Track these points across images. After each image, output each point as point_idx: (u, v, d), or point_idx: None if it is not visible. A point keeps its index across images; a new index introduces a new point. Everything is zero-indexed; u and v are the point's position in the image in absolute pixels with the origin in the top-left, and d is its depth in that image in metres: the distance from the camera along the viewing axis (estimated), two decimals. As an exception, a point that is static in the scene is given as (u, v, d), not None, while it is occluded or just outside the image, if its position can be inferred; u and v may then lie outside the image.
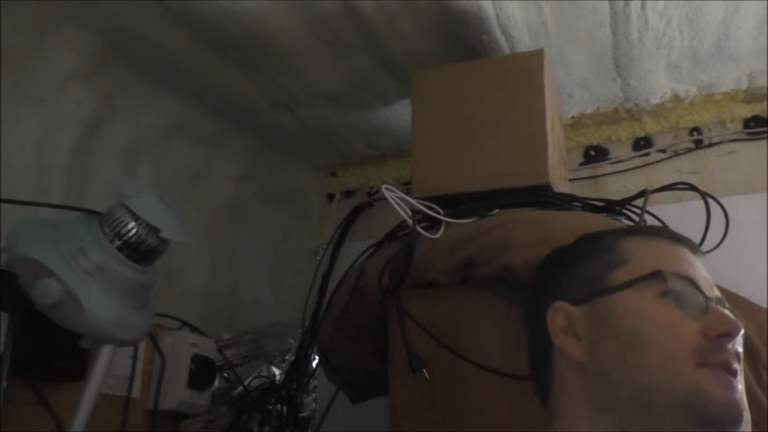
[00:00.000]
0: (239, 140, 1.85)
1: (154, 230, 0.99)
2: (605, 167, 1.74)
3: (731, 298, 1.05)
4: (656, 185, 1.26)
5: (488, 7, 1.31)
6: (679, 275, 0.68)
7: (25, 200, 1.08)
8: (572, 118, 1.78)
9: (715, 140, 1.65)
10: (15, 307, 1.00)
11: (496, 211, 1.15)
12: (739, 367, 0.65)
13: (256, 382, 1.70)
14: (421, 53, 1.47)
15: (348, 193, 2.06)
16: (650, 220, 1.27)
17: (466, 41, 1.41)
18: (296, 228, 2.12)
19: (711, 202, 1.17)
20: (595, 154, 1.76)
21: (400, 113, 1.74)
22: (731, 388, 0.62)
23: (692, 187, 1.18)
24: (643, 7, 1.34)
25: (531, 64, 1.23)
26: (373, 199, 1.97)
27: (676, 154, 1.68)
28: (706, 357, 0.63)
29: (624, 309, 0.68)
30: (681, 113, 1.68)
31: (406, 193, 1.17)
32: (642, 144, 1.72)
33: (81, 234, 0.96)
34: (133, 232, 0.97)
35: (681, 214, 1.26)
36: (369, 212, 1.97)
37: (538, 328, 0.75)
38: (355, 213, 1.97)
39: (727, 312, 0.68)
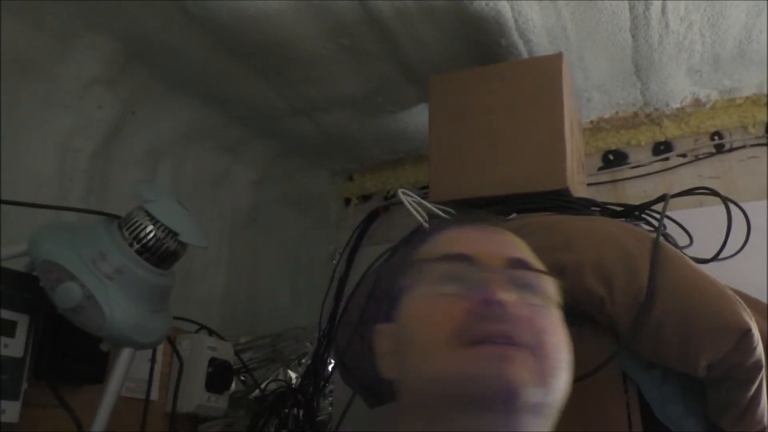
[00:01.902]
0: (258, 145, 1.87)
1: (172, 234, 0.99)
2: (624, 172, 1.73)
3: (752, 302, 1.04)
4: (676, 190, 1.24)
5: (506, 12, 1.31)
6: (453, 255, 0.64)
7: (46, 204, 1.09)
8: (591, 122, 1.76)
9: (736, 145, 1.63)
10: (36, 311, 1.02)
11: (514, 215, 1.15)
12: (517, 331, 0.57)
13: (273, 386, 1.70)
14: (439, 58, 1.47)
15: (365, 198, 2.06)
16: (670, 225, 1.26)
17: (484, 46, 1.41)
18: (314, 232, 2.12)
19: (732, 207, 1.16)
20: (614, 159, 1.75)
21: (418, 118, 1.74)
22: (501, 356, 0.56)
23: (713, 192, 1.17)
24: (663, 11, 1.33)
25: (549, 68, 1.22)
26: (390, 203, 1.97)
27: (697, 158, 1.66)
28: (470, 335, 0.57)
29: (401, 315, 0.65)
30: (702, 117, 1.66)
31: (423, 198, 1.17)
32: (662, 148, 1.71)
33: (101, 238, 0.97)
34: (152, 235, 0.98)
35: (702, 220, 1.24)
36: (386, 216, 1.97)
37: None
38: (372, 217, 1.97)
39: (500, 275, 0.62)
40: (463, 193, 1.22)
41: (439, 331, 0.59)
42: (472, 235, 0.68)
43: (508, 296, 0.59)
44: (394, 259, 0.76)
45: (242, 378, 1.63)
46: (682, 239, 1.26)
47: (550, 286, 0.66)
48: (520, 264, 0.65)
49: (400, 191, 1.13)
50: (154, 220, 0.98)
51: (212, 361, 1.44)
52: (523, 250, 0.69)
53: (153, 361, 1.35)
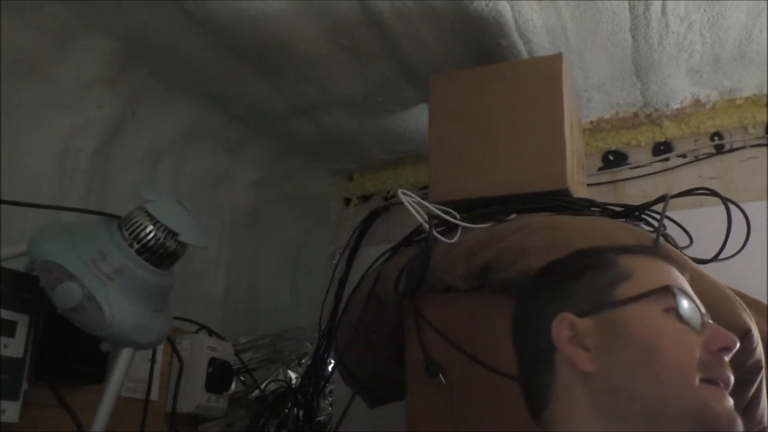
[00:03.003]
0: (258, 145, 1.87)
1: (172, 234, 0.99)
2: (624, 172, 1.73)
3: (752, 302, 1.04)
4: (676, 190, 1.24)
5: (506, 12, 1.31)
6: (683, 291, 0.70)
7: (46, 204, 1.09)
8: (591, 122, 1.76)
9: (736, 145, 1.63)
10: (36, 311, 1.02)
11: (514, 216, 1.15)
12: (732, 379, 0.67)
13: (273, 386, 1.70)
14: (439, 58, 1.47)
15: (365, 198, 2.06)
16: (670, 226, 1.26)
17: (485, 46, 1.41)
18: (314, 232, 2.12)
19: (732, 207, 1.16)
20: (614, 159, 1.75)
21: (418, 118, 1.74)
22: (728, 401, 0.65)
23: (713, 193, 1.17)
24: (663, 11, 1.33)
25: (549, 69, 1.22)
26: (390, 203, 1.97)
27: (697, 159, 1.66)
28: (708, 370, 0.65)
29: (636, 322, 0.69)
30: (702, 118, 1.67)
31: (423, 198, 1.17)
32: (662, 149, 1.71)
33: (101, 237, 0.97)
34: (152, 235, 0.98)
35: (701, 220, 1.24)
36: (386, 217, 1.97)
37: (535, 338, 0.75)
38: (372, 217, 1.97)
39: (718, 326, 0.70)
40: (463, 193, 1.22)
41: (690, 359, 0.65)
42: (676, 273, 0.75)
43: (737, 345, 0.68)
44: (580, 260, 0.79)
45: (242, 378, 1.63)
46: (682, 239, 1.26)
47: None
48: (709, 316, 0.73)
49: (400, 191, 1.13)
50: (154, 220, 0.98)
51: (212, 361, 1.44)
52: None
53: (153, 361, 1.35)
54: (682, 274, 0.76)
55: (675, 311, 0.68)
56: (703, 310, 0.72)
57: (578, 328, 0.71)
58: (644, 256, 0.77)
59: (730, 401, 0.65)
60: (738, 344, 0.68)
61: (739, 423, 0.64)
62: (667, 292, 0.69)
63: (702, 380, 0.65)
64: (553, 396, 0.73)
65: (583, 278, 0.75)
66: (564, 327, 0.72)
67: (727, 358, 0.67)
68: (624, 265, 0.74)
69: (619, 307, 0.70)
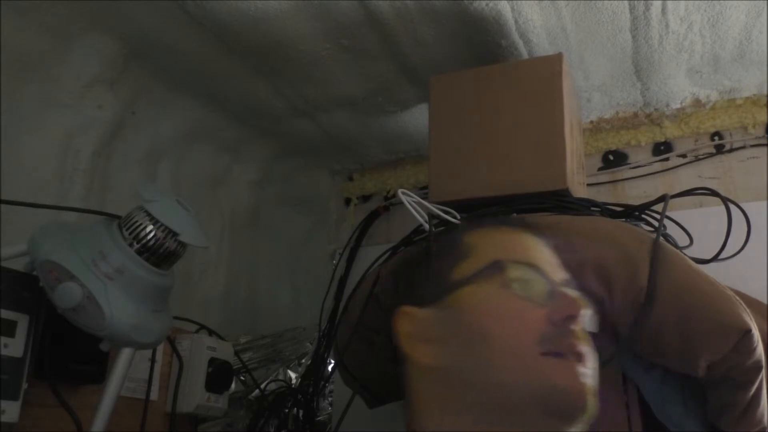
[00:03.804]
0: (258, 146, 1.87)
1: (172, 233, 0.99)
2: (624, 172, 1.73)
3: (752, 302, 1.04)
4: (676, 190, 1.24)
5: (507, 12, 1.31)
6: (520, 262, 0.66)
7: (46, 204, 1.09)
8: (591, 122, 1.76)
9: (736, 145, 1.63)
10: (36, 311, 1.02)
11: (514, 215, 1.15)
12: (587, 348, 0.63)
13: (273, 386, 1.70)
14: (439, 58, 1.47)
15: (365, 198, 2.06)
16: (670, 226, 1.26)
17: (485, 46, 1.41)
18: (314, 232, 2.12)
19: (732, 207, 1.16)
20: (614, 159, 1.75)
21: (418, 118, 1.74)
22: (577, 374, 0.61)
23: (713, 193, 1.17)
24: (663, 12, 1.33)
25: (549, 69, 1.22)
26: (390, 203, 1.97)
27: (697, 159, 1.66)
28: (551, 344, 0.61)
29: (467, 304, 0.64)
30: (702, 118, 1.67)
31: (423, 198, 1.17)
32: (662, 149, 1.71)
33: (101, 237, 0.97)
34: (152, 235, 0.98)
35: (702, 220, 1.24)
36: (386, 217, 1.97)
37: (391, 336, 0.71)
38: (372, 217, 1.97)
39: (571, 293, 0.65)
40: (463, 194, 1.22)
41: (526, 336, 0.61)
42: (530, 242, 0.70)
43: (582, 311, 0.64)
44: (439, 243, 0.74)
45: (242, 378, 1.63)
46: (682, 239, 1.26)
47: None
48: (570, 283, 0.69)
49: (400, 191, 1.13)
50: (154, 220, 0.98)
51: (212, 361, 1.44)
52: (559, 262, 0.72)
53: (153, 361, 1.35)
54: (538, 237, 0.71)
55: (513, 285, 0.64)
56: (556, 278, 0.66)
57: (420, 321, 0.66)
58: (492, 227, 0.72)
59: (581, 371, 0.61)
60: (587, 309, 0.64)
61: (588, 392, 0.60)
62: (499, 265, 0.65)
63: (545, 354, 0.60)
64: (407, 394, 0.69)
65: (426, 265, 0.72)
66: (403, 322, 0.68)
67: (575, 327, 0.62)
68: (465, 243, 0.69)
69: (454, 290, 0.66)
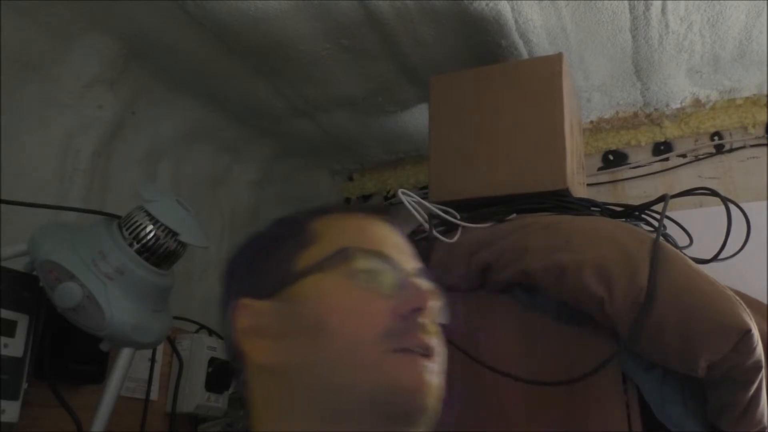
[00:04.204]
0: (258, 145, 1.87)
1: (172, 233, 0.99)
2: (624, 172, 1.73)
3: (752, 302, 1.04)
4: (676, 190, 1.24)
5: (507, 12, 1.31)
6: (369, 251, 0.60)
7: (46, 204, 1.09)
8: (591, 122, 1.76)
9: (736, 145, 1.63)
10: (36, 311, 1.02)
11: (514, 215, 1.15)
12: (437, 342, 0.59)
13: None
14: (439, 58, 1.47)
15: (365, 198, 2.06)
16: (670, 226, 1.26)
17: (485, 46, 1.41)
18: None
19: (732, 207, 1.16)
20: (614, 159, 1.75)
21: (418, 118, 1.74)
22: (424, 370, 0.56)
23: (713, 192, 1.17)
24: (663, 11, 1.33)
25: (550, 69, 1.22)
26: (390, 203, 1.97)
27: (697, 159, 1.66)
28: (399, 338, 0.56)
29: (308, 297, 0.59)
30: (702, 118, 1.67)
31: (423, 198, 1.17)
32: (662, 149, 1.71)
33: (101, 237, 0.97)
34: (152, 235, 0.98)
35: (702, 220, 1.24)
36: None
37: (228, 333, 0.64)
38: (372, 217, 1.97)
39: (422, 283, 0.61)
40: (463, 193, 1.22)
41: (368, 332, 0.56)
42: (380, 230, 0.65)
43: (430, 303, 0.58)
44: (275, 229, 0.69)
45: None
46: (682, 239, 1.26)
47: (439, 294, 0.65)
48: (423, 272, 0.64)
49: (400, 191, 1.13)
50: (154, 220, 0.98)
51: (212, 361, 1.44)
52: (412, 251, 0.67)
53: (153, 361, 1.35)
54: (390, 224, 0.67)
55: (359, 276, 0.58)
56: (407, 267, 0.62)
57: (260, 315, 0.61)
58: (342, 215, 0.67)
59: (428, 366, 0.57)
60: (437, 301, 0.60)
61: (430, 390, 0.56)
62: (345, 254, 0.59)
63: (389, 350, 0.55)
64: (247, 395, 0.63)
65: (269, 252, 0.65)
66: (242, 315, 0.61)
67: (424, 320, 0.58)
68: (311, 229, 0.64)
69: (296, 280, 0.60)
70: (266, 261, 0.64)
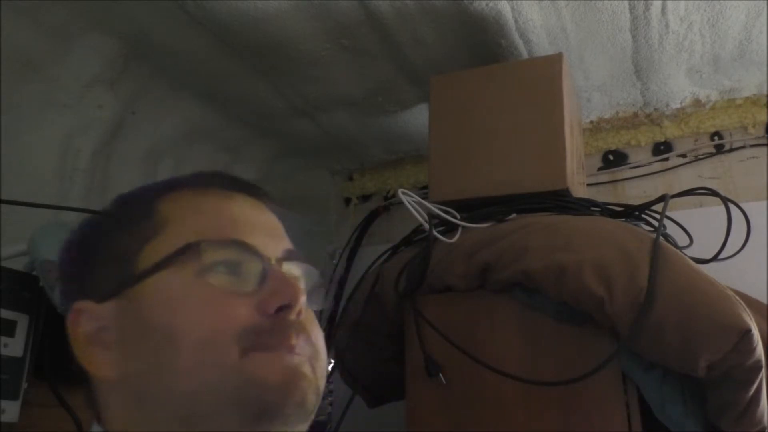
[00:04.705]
0: (258, 145, 1.87)
1: (172, 234, 0.99)
2: (624, 172, 1.73)
3: (752, 302, 1.04)
4: (676, 190, 1.24)
5: (507, 12, 1.31)
6: (222, 241, 0.53)
7: (47, 204, 1.09)
8: (591, 122, 1.76)
9: (736, 145, 1.63)
10: (36, 311, 1.02)
11: (514, 216, 1.15)
12: (300, 339, 0.52)
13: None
14: (439, 58, 1.47)
15: (365, 198, 2.06)
16: (670, 226, 1.26)
17: (485, 46, 1.41)
18: (314, 232, 2.12)
19: (732, 207, 1.16)
20: (614, 159, 1.75)
21: (418, 118, 1.74)
22: (289, 365, 0.51)
23: (713, 192, 1.17)
24: (663, 11, 1.33)
25: (549, 69, 1.22)
26: (390, 203, 1.97)
27: (697, 159, 1.66)
28: (257, 341, 0.50)
29: (153, 298, 0.52)
30: (702, 118, 1.67)
31: (423, 198, 1.17)
32: (662, 149, 1.71)
33: (101, 237, 0.97)
34: (152, 235, 0.98)
35: (702, 220, 1.24)
36: (386, 216, 1.97)
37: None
38: (372, 217, 1.97)
39: (291, 272, 0.56)
40: (463, 193, 1.22)
41: (223, 334, 0.50)
42: (242, 211, 0.58)
43: (299, 300, 0.53)
44: (116, 211, 0.60)
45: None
46: (682, 239, 1.26)
47: (313, 276, 0.60)
48: (293, 255, 0.58)
49: (400, 191, 1.13)
50: (154, 220, 0.98)
51: (212, 361, 1.44)
52: (282, 230, 0.61)
53: (153, 360, 1.35)
54: (257, 200, 0.61)
55: (216, 269, 0.52)
56: (272, 252, 0.55)
57: (97, 319, 0.53)
58: (196, 192, 0.58)
59: (295, 359, 0.51)
60: (302, 296, 0.53)
61: (303, 381, 0.51)
62: (195, 248, 0.52)
63: (248, 350, 0.50)
64: (97, 411, 0.57)
65: (111, 240, 0.56)
66: (78, 321, 0.54)
67: (292, 316, 0.52)
68: (159, 214, 0.56)
69: (140, 280, 0.52)
70: (105, 253, 0.56)
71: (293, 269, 0.57)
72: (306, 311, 0.55)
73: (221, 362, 0.49)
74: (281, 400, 0.50)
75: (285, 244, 0.59)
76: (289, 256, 0.57)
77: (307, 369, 0.53)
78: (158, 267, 0.52)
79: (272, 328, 0.51)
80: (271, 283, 0.53)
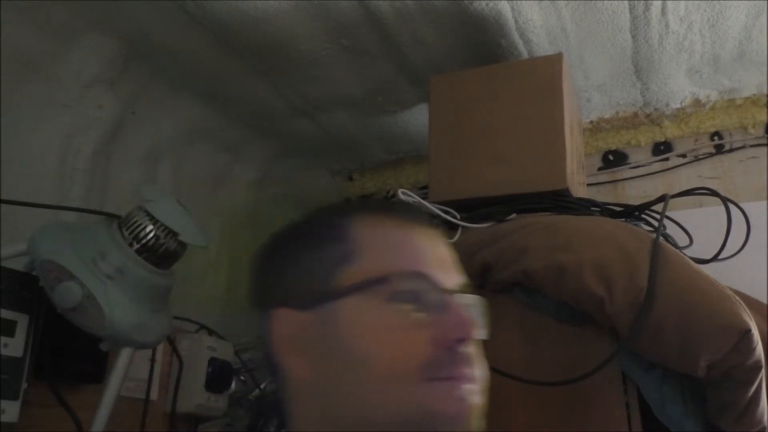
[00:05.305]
0: (258, 146, 1.87)
1: (172, 233, 0.99)
2: (624, 172, 1.73)
3: (752, 302, 1.04)
4: (676, 190, 1.24)
5: (506, 12, 1.31)
6: (411, 273, 0.59)
7: (47, 204, 1.09)
8: (591, 122, 1.76)
9: (736, 145, 1.63)
10: (36, 311, 1.02)
11: (514, 215, 1.15)
12: (474, 369, 0.58)
13: (273, 386, 1.70)
14: (439, 58, 1.47)
15: (365, 198, 2.06)
16: (670, 226, 1.26)
17: (485, 46, 1.41)
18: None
19: (732, 207, 1.16)
20: (614, 159, 1.75)
21: (418, 118, 1.74)
22: (463, 397, 0.56)
23: (713, 192, 1.17)
24: (663, 11, 1.33)
25: (549, 69, 1.22)
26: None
27: (697, 159, 1.66)
28: (437, 371, 0.55)
29: (348, 318, 0.57)
30: (702, 118, 1.67)
31: (423, 198, 1.17)
32: (662, 149, 1.71)
33: (101, 237, 0.97)
34: (152, 235, 0.98)
35: (702, 220, 1.24)
36: (386, 217, 1.97)
37: (265, 341, 0.63)
38: (373, 217, 1.97)
39: (465, 303, 0.61)
40: (463, 193, 1.22)
41: (408, 362, 0.55)
42: (420, 241, 0.63)
43: (477, 332, 0.58)
44: (312, 228, 0.66)
45: (242, 378, 1.62)
46: (682, 239, 1.26)
47: (481, 307, 0.65)
48: (466, 287, 0.63)
49: (400, 191, 1.13)
50: (154, 220, 0.98)
51: (212, 361, 1.44)
52: (456, 262, 0.65)
53: (153, 360, 1.35)
54: (429, 230, 0.65)
55: (401, 298, 0.57)
56: (449, 283, 0.60)
57: (296, 326, 0.60)
58: (380, 219, 0.64)
59: (469, 389, 0.56)
60: (479, 330, 0.59)
61: (473, 411, 0.56)
62: (386, 279, 0.57)
63: (431, 380, 0.55)
64: (288, 407, 0.62)
65: (310, 257, 0.62)
66: (279, 325, 0.61)
67: (467, 349, 0.57)
68: (354, 240, 0.61)
69: (338, 299, 0.58)
70: (304, 266, 0.62)
71: (467, 300, 0.62)
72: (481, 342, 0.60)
73: (405, 391, 0.54)
74: (450, 429, 0.55)
75: (460, 276, 0.63)
76: (464, 289, 0.62)
77: (478, 398, 0.58)
78: (353, 290, 0.58)
79: (450, 361, 0.56)
80: (449, 314, 0.58)
